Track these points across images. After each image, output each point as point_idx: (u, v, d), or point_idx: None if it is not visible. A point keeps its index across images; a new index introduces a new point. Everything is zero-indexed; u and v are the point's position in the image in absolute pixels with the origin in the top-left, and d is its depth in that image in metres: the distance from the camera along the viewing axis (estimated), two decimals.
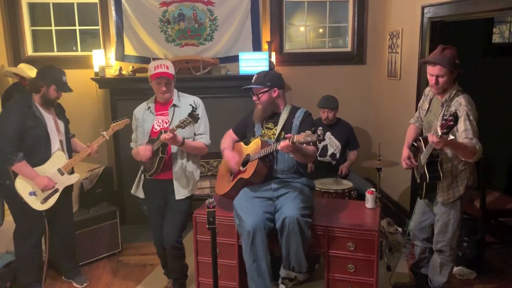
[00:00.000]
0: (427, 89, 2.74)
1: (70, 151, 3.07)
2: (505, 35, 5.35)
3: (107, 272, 3.45)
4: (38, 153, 2.83)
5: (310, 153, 2.51)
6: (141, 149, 2.75)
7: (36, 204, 2.83)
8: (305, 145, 2.19)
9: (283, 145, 2.30)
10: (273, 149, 2.47)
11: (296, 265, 2.49)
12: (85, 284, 3.23)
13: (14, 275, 3.10)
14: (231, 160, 2.72)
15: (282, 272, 2.55)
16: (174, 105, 2.84)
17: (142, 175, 2.92)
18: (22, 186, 2.80)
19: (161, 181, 2.82)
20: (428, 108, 2.67)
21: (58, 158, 2.91)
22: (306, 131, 2.20)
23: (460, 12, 3.20)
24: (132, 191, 3.01)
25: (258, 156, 2.54)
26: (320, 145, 3.79)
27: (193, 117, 2.51)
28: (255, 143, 2.67)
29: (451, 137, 2.16)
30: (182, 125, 2.53)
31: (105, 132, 3.02)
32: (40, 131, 2.82)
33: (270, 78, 2.69)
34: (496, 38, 5.28)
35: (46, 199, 2.85)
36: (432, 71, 2.48)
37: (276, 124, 2.71)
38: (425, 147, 2.48)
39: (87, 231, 3.52)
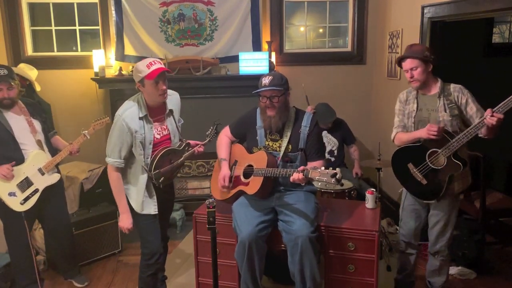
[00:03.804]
0: (404, 93, 2.75)
1: (52, 149, 2.98)
2: (505, 35, 5.35)
3: (107, 272, 3.45)
4: (6, 155, 2.74)
5: None
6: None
7: (15, 205, 2.76)
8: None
9: (295, 179, 2.22)
10: (282, 174, 2.36)
11: (313, 284, 2.42)
12: (86, 283, 3.23)
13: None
14: (221, 181, 2.57)
15: None
16: (171, 111, 2.60)
17: (147, 190, 2.55)
18: (1, 187, 2.73)
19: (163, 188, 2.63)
20: (417, 107, 2.62)
21: (38, 158, 2.84)
22: (323, 169, 2.11)
23: (460, 12, 3.20)
24: (140, 210, 2.54)
25: (264, 174, 2.43)
26: None
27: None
28: (260, 155, 2.52)
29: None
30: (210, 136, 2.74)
31: (86, 131, 2.97)
32: (1, 133, 2.72)
33: (285, 80, 2.51)
34: (496, 38, 5.27)
35: (26, 200, 2.79)
36: (404, 66, 2.57)
37: (281, 136, 2.53)
38: (451, 139, 2.39)
39: (87, 231, 3.52)
